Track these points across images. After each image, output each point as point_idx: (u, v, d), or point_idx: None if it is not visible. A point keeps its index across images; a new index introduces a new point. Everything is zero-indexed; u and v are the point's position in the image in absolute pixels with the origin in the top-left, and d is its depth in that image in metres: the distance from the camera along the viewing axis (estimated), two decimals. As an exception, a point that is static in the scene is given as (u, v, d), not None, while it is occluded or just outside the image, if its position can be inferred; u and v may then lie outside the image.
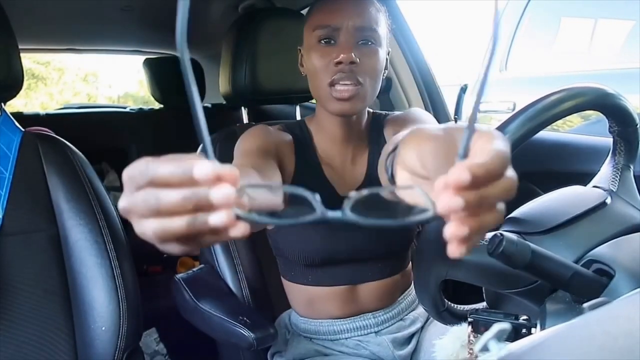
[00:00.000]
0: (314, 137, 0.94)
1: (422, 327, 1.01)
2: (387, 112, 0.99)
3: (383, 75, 0.88)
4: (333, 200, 0.92)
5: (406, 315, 1.00)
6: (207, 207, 0.30)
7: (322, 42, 0.83)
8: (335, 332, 0.97)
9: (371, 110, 0.97)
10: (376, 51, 0.83)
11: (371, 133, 0.95)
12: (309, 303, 0.97)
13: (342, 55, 0.80)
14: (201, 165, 0.29)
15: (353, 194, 0.31)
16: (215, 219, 0.30)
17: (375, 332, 0.97)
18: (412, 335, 1.00)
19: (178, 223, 0.30)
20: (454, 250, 0.30)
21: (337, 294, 0.95)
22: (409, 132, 0.47)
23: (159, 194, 0.30)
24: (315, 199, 0.31)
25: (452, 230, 0.29)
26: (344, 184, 0.93)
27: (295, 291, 0.99)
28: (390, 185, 0.51)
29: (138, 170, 0.30)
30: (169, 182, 0.30)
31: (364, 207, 0.31)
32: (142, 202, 0.30)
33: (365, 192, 0.31)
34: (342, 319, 0.96)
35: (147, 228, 0.31)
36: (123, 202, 0.31)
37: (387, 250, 0.94)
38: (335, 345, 0.97)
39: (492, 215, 0.30)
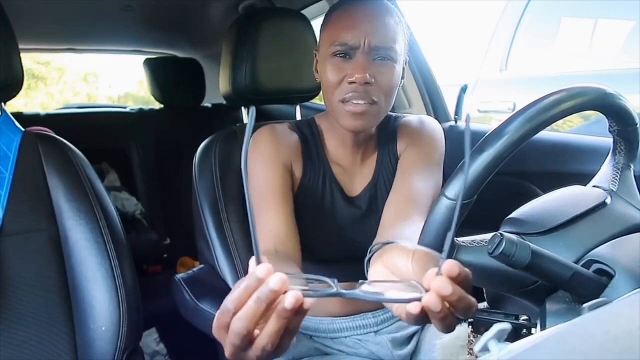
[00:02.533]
0: (324, 136, 0.94)
1: (422, 328, 1.01)
2: (396, 114, 0.99)
3: (401, 85, 0.87)
4: (342, 200, 0.92)
5: None
6: (273, 299, 0.38)
7: (338, 56, 0.82)
8: (334, 330, 0.97)
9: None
10: (392, 67, 0.82)
11: (381, 135, 0.95)
12: None
13: (356, 75, 0.79)
14: (260, 267, 0.39)
15: (364, 287, 0.45)
16: (289, 300, 0.38)
17: (375, 332, 0.97)
18: (411, 336, 1.00)
19: (270, 326, 0.39)
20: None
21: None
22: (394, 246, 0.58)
23: (238, 317, 0.39)
24: (334, 283, 0.43)
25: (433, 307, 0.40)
26: (352, 184, 0.94)
27: None
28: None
29: (222, 314, 0.40)
30: (243, 297, 0.39)
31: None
32: (234, 336, 0.40)
33: (367, 285, 0.45)
34: (341, 317, 0.96)
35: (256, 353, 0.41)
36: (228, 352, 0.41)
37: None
38: (334, 344, 0.97)
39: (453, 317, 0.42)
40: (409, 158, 0.92)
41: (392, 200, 0.87)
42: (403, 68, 0.86)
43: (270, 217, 0.81)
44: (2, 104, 0.94)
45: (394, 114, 0.98)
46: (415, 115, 0.99)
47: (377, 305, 0.96)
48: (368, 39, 0.79)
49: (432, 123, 0.96)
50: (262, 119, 1.24)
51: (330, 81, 0.83)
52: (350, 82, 0.80)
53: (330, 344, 0.97)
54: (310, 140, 0.94)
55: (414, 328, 1.00)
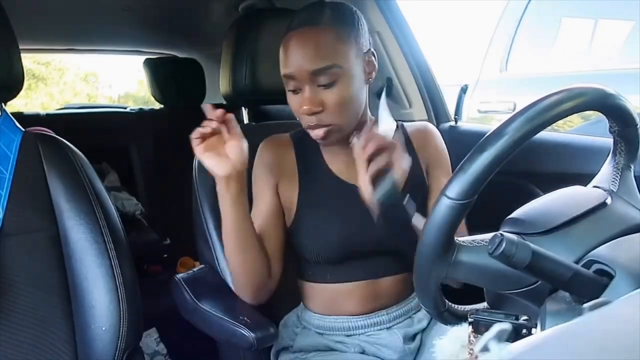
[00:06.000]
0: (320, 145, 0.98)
1: (426, 328, 1.02)
2: (398, 120, 1.04)
3: (372, 78, 0.91)
4: (342, 189, 0.96)
5: (414, 314, 1.02)
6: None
7: (289, 90, 0.89)
8: (350, 329, 0.98)
9: (373, 118, 1.00)
10: (342, 85, 0.85)
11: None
12: (327, 301, 0.98)
13: (304, 107, 0.85)
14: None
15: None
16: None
17: (387, 328, 0.99)
18: (416, 334, 1.01)
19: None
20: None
21: (357, 290, 0.96)
22: None
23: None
24: None
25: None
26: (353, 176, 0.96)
27: (313, 290, 1.00)
28: None
29: None
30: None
31: None
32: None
33: None
34: (358, 316, 0.98)
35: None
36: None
37: (403, 243, 0.95)
38: (346, 339, 0.98)
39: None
40: (442, 170, 1.01)
41: None
42: (370, 60, 0.90)
43: (258, 233, 0.93)
44: (3, 104, 0.94)
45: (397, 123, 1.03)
46: (415, 122, 1.07)
47: (393, 300, 0.99)
48: (306, 66, 0.83)
49: (434, 129, 1.06)
50: (262, 119, 1.25)
51: (292, 111, 0.91)
52: (304, 114, 0.87)
53: (342, 340, 0.98)
54: (308, 146, 0.99)
55: (420, 326, 1.01)
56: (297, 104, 0.87)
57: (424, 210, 0.95)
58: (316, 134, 0.88)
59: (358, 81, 0.88)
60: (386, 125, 0.99)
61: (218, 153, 0.81)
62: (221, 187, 0.83)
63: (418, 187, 0.97)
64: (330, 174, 0.98)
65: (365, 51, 0.89)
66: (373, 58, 0.91)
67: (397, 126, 1.02)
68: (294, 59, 0.85)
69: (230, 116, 0.81)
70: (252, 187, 0.99)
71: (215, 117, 0.79)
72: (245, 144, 0.82)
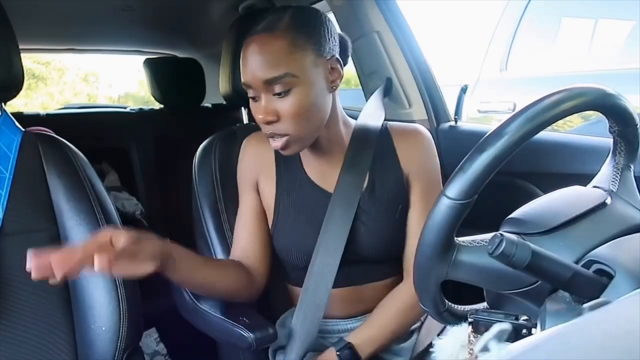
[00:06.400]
0: None
1: (421, 325, 1.02)
2: (386, 121, 1.01)
3: (336, 85, 0.87)
4: (319, 196, 0.95)
5: None
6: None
7: (250, 98, 0.86)
8: (339, 331, 0.98)
9: (352, 122, 0.98)
10: (298, 94, 0.81)
11: (364, 139, 0.96)
12: None
13: (258, 116, 0.84)
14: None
15: None
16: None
17: None
18: (412, 332, 1.02)
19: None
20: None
21: (339, 295, 0.95)
22: None
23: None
24: None
25: None
26: (331, 185, 0.95)
27: (297, 293, 0.98)
28: None
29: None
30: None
31: None
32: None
33: None
34: (346, 319, 0.98)
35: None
36: None
37: (386, 252, 0.95)
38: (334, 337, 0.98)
39: None
40: (425, 182, 0.95)
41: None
42: (335, 67, 0.86)
43: (242, 232, 0.98)
44: (3, 104, 0.94)
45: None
46: (405, 124, 1.01)
47: (375, 306, 0.97)
48: (258, 74, 0.81)
49: (428, 135, 0.99)
50: (262, 119, 1.24)
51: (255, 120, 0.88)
52: (259, 122, 0.85)
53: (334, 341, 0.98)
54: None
55: (414, 325, 1.01)
56: (255, 112, 0.86)
57: (404, 223, 0.95)
58: (274, 145, 0.85)
59: (317, 89, 0.84)
60: (364, 120, 0.98)
61: (130, 260, 0.74)
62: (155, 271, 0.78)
63: (395, 197, 0.94)
64: (307, 180, 0.96)
65: (328, 57, 0.85)
66: (338, 65, 0.87)
67: (382, 126, 0.98)
68: (249, 67, 0.82)
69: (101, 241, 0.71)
70: (237, 182, 1.01)
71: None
72: (131, 237, 0.73)
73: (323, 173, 0.96)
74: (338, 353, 0.91)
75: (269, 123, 0.83)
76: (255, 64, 0.81)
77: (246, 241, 0.97)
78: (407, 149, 0.96)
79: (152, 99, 2.48)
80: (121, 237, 0.71)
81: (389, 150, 0.96)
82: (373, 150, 0.95)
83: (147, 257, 0.75)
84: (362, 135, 0.96)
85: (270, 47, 0.81)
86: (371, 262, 0.94)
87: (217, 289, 0.91)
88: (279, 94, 0.81)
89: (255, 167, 0.98)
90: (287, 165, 0.98)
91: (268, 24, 0.83)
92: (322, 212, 0.92)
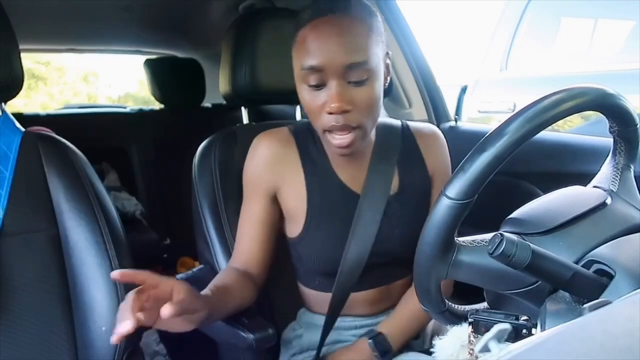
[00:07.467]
0: (323, 143, 0.92)
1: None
2: (403, 120, 0.99)
3: (387, 83, 0.83)
4: (349, 199, 0.91)
5: None
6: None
7: (310, 85, 0.77)
8: (356, 327, 0.97)
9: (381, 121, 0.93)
10: (372, 84, 0.76)
11: (390, 139, 0.93)
12: None
13: (332, 105, 0.75)
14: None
15: None
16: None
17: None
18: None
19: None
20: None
21: (368, 296, 0.94)
22: None
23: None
24: None
25: None
26: (359, 186, 0.91)
27: (320, 297, 0.96)
28: None
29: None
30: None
31: None
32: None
33: None
34: (367, 316, 0.97)
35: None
36: None
37: (414, 252, 0.94)
38: (356, 332, 0.97)
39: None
40: (441, 183, 0.92)
41: None
42: (388, 64, 0.83)
43: (246, 240, 0.92)
44: (3, 104, 0.94)
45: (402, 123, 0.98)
46: (421, 124, 0.99)
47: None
48: (338, 59, 0.73)
49: (442, 136, 0.98)
50: (262, 119, 1.25)
51: (308, 109, 0.80)
52: (330, 113, 0.76)
53: (358, 333, 0.97)
54: (311, 146, 0.92)
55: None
56: (320, 100, 0.76)
57: None
58: (341, 141, 0.77)
59: (381, 83, 0.79)
60: (382, 119, 0.95)
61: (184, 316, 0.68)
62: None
63: (421, 198, 0.93)
64: (338, 182, 0.90)
65: (386, 53, 0.81)
66: (388, 62, 0.83)
67: (402, 125, 0.96)
68: (326, 48, 0.73)
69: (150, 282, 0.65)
70: (244, 187, 0.93)
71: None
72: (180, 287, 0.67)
73: (352, 174, 0.91)
74: (370, 341, 0.89)
75: (343, 112, 0.75)
76: (335, 47, 0.73)
77: (250, 249, 0.92)
78: (430, 150, 0.94)
79: (152, 99, 2.48)
80: (182, 295, 0.64)
81: (414, 150, 0.94)
82: (399, 150, 0.93)
83: (192, 320, 0.69)
84: (386, 135, 0.93)
85: (353, 29, 0.74)
86: (403, 260, 0.92)
87: (228, 313, 0.86)
88: (355, 83, 0.75)
89: (275, 172, 0.89)
90: (314, 166, 0.90)
91: (341, 5, 0.75)
92: (351, 215, 0.88)
